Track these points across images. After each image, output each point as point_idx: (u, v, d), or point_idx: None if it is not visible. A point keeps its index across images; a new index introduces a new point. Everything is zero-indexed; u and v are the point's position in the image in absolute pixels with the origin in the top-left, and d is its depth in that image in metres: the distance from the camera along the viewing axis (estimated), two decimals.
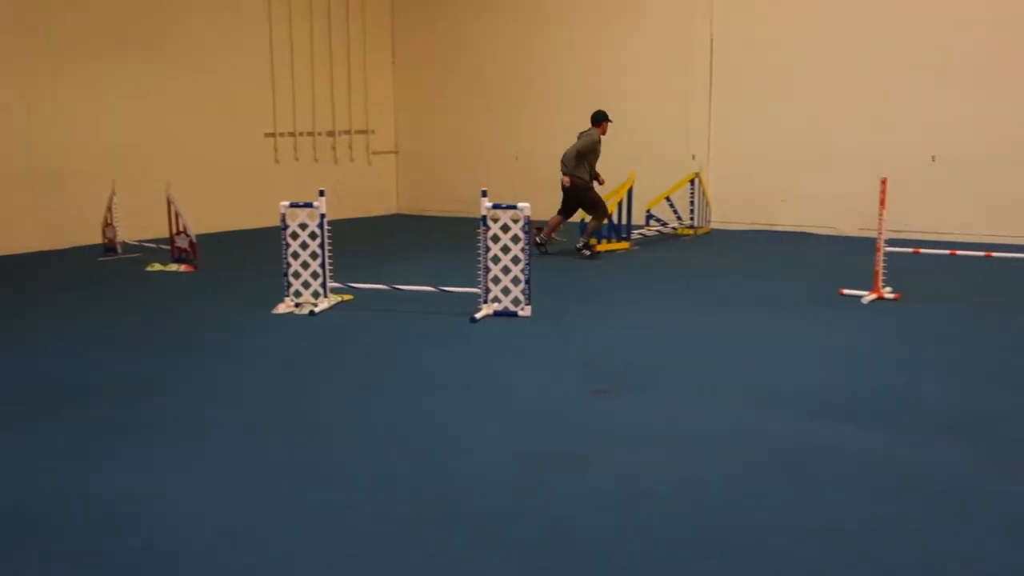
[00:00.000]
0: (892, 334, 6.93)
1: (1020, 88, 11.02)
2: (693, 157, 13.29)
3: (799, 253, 11.04)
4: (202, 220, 11.96)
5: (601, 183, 10.93)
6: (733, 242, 11.96)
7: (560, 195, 10.98)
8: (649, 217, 12.48)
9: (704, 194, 12.81)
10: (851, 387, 5.55)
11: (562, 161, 10.82)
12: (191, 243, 10.13)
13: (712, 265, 10.21)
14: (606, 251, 11.07)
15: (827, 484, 4.10)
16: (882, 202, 8.09)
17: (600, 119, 10.91)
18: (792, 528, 3.66)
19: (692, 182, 12.63)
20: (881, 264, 8.07)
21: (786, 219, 12.73)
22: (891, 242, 8.27)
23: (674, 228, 12.64)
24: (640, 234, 12.02)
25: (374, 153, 16.04)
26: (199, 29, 13.39)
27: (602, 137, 10.85)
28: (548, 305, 7.77)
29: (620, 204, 11.30)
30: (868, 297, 8.02)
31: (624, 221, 11.34)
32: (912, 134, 11.72)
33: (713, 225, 13.06)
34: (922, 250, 8.42)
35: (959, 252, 8.49)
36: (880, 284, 8.08)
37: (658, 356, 6.39)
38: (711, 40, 13.06)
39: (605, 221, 10.86)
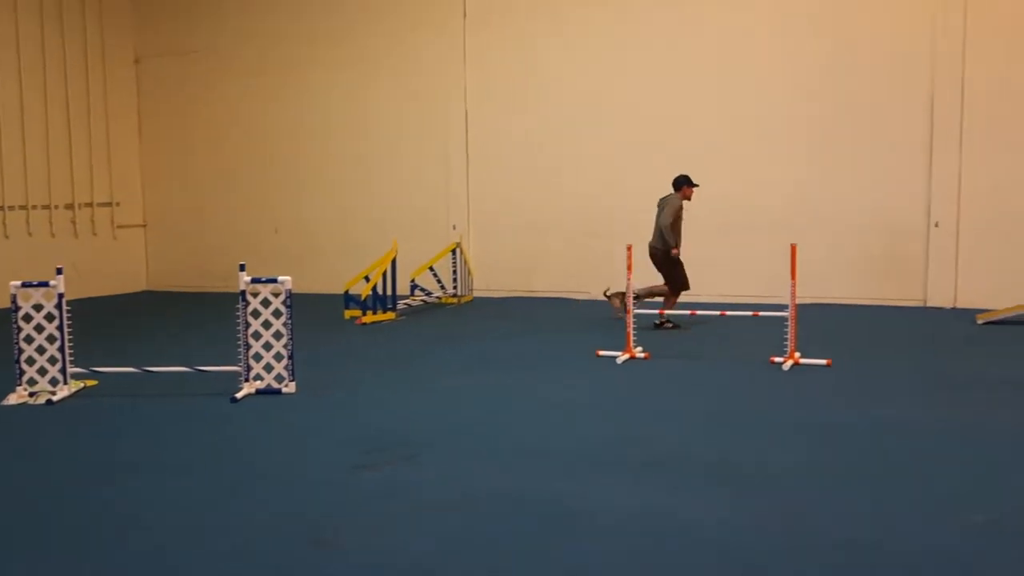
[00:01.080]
0: (643, 389, 7.33)
1: (742, 156, 12.24)
2: (454, 227, 13.58)
3: (557, 317, 11.50)
4: None
5: (675, 254, 10.06)
6: (495, 309, 12.27)
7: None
8: (413, 287, 12.58)
9: (466, 263, 13.10)
10: (608, 440, 5.79)
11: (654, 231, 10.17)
12: None
13: (476, 331, 10.40)
14: (372, 322, 11.00)
15: (581, 536, 4.23)
16: (629, 267, 8.64)
17: (681, 184, 10.13)
18: None
19: (454, 252, 12.90)
20: (632, 326, 8.57)
21: (544, 285, 13.26)
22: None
23: (438, 297, 12.80)
24: (406, 304, 12.07)
25: (119, 227, 15.10)
26: None
27: (685, 203, 10.17)
28: (313, 380, 7.57)
29: (385, 274, 11.30)
30: (622, 357, 8.46)
31: (389, 291, 11.34)
32: (652, 202, 12.63)
33: (476, 293, 13.35)
34: (667, 311, 9.02)
35: (698, 312, 9.19)
36: (632, 344, 8.56)
37: (419, 425, 6.36)
38: (466, 115, 13.51)
39: (675, 296, 10.19)
